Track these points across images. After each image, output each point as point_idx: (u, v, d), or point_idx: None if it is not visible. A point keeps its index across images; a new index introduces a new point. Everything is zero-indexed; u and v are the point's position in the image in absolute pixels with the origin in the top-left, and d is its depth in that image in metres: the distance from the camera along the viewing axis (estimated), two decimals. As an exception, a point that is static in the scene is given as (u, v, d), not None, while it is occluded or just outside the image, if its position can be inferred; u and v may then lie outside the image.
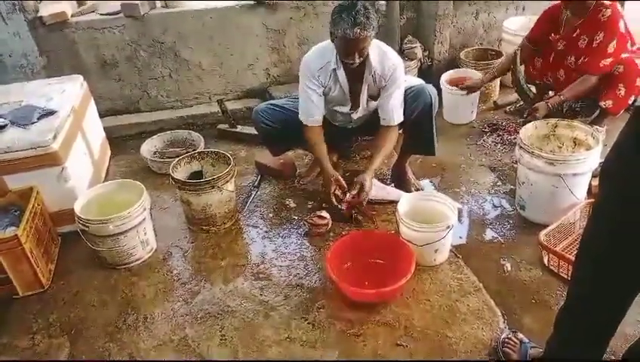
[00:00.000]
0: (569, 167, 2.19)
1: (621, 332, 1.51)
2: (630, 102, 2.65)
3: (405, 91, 2.46)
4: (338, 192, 2.39)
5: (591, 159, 2.21)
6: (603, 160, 1.30)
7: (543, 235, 2.11)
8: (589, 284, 1.37)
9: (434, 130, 2.51)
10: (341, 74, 2.36)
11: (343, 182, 2.41)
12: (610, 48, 2.59)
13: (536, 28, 2.98)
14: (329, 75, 2.37)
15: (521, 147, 2.30)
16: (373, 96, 2.48)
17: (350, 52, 2.20)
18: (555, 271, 2.10)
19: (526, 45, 3.00)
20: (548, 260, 2.13)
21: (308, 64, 2.38)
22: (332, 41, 2.28)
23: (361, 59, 2.24)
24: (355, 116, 2.54)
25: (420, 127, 2.47)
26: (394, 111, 2.40)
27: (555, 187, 2.24)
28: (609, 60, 2.60)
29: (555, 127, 2.46)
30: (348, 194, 2.37)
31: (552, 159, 2.20)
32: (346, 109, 2.52)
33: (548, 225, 2.17)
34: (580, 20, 2.69)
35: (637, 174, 1.15)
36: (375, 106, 2.50)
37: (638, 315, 1.79)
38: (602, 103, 2.70)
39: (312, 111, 2.43)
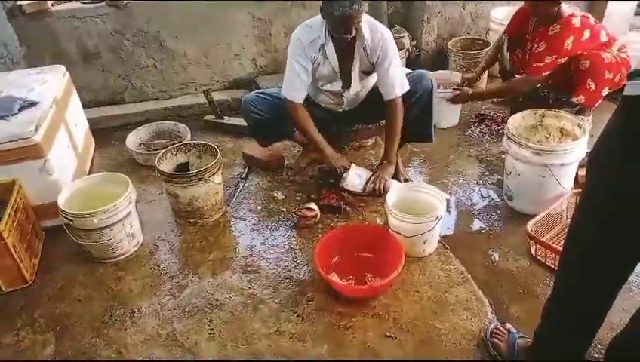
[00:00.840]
0: (556, 157, 2.20)
1: (607, 321, 1.53)
2: (604, 93, 2.68)
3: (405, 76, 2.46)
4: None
5: (577, 149, 2.22)
6: (590, 150, 1.30)
7: (530, 225, 2.12)
8: (576, 274, 1.38)
9: (433, 116, 2.52)
10: (330, 49, 2.35)
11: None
12: (547, 59, 2.63)
13: (511, 23, 2.99)
14: (317, 49, 2.35)
15: (508, 137, 2.31)
16: (366, 72, 2.46)
17: (347, 28, 2.20)
18: (543, 261, 2.11)
19: (503, 38, 3.01)
20: (535, 250, 2.15)
21: (299, 39, 2.35)
22: (322, 17, 2.26)
23: (355, 31, 2.25)
24: (347, 95, 2.52)
25: (420, 112, 2.47)
26: (395, 82, 2.37)
27: (542, 177, 2.25)
28: (540, 64, 2.65)
29: (543, 117, 2.48)
30: (369, 184, 2.48)
31: (539, 149, 2.21)
32: (337, 87, 2.49)
33: (535, 216, 2.18)
34: (540, 28, 2.70)
35: (624, 165, 1.15)
36: (371, 85, 2.50)
37: (624, 303, 1.81)
38: (575, 99, 2.72)
39: (297, 87, 2.39)
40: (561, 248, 1.72)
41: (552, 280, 1.92)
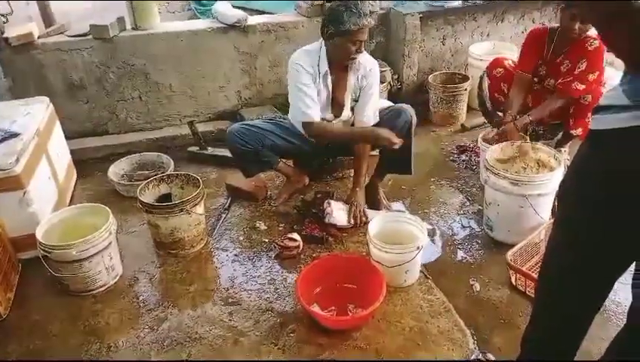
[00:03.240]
0: (533, 187, 2.25)
1: (586, 349, 1.54)
2: None
3: (384, 110, 2.54)
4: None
5: (554, 180, 2.27)
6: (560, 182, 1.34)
7: (509, 255, 2.14)
8: (551, 302, 1.39)
9: (412, 149, 2.56)
10: (330, 77, 2.43)
11: None
12: (590, 77, 2.60)
13: (526, 56, 2.86)
14: (318, 76, 2.42)
15: (487, 168, 2.36)
16: (354, 99, 2.54)
17: (358, 44, 2.28)
18: (523, 290, 2.13)
19: (521, 75, 2.83)
20: (515, 279, 2.17)
21: (300, 64, 2.39)
22: (329, 41, 2.32)
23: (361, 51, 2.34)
24: (335, 123, 2.57)
25: (400, 146, 2.51)
26: (369, 112, 2.48)
27: (520, 207, 2.29)
28: (582, 87, 2.61)
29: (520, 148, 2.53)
30: (349, 219, 2.50)
31: (517, 180, 2.25)
32: (327, 115, 2.55)
33: (515, 245, 2.21)
34: (567, 47, 2.71)
35: (590, 195, 1.19)
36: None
37: (602, 332, 1.81)
38: (573, 131, 2.74)
39: (311, 105, 2.39)
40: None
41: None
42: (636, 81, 1.06)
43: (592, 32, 2.63)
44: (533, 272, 2.12)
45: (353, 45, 2.29)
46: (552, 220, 2.34)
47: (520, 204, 2.29)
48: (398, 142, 2.33)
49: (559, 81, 2.73)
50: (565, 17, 2.62)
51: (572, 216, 1.28)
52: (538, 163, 2.50)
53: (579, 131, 2.73)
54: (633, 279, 1.28)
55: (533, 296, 2.05)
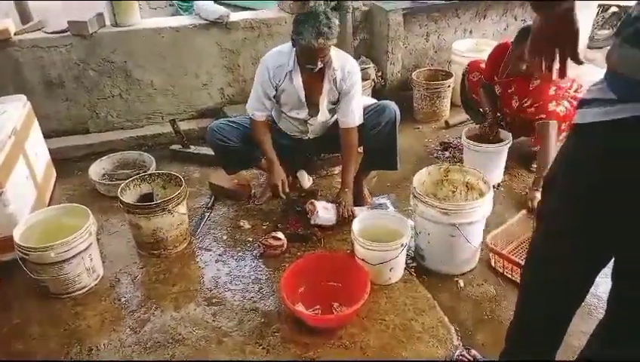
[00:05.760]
0: (463, 216, 2.09)
1: (568, 343, 1.56)
2: (560, 138, 2.67)
3: (368, 107, 2.52)
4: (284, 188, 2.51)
5: (484, 207, 2.13)
6: (546, 172, 1.35)
7: (489, 238, 2.20)
8: (535, 296, 1.41)
9: (397, 145, 2.56)
10: (297, 77, 2.40)
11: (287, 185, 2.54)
12: (529, 110, 2.70)
13: (486, 68, 2.97)
14: (284, 75, 2.41)
15: (415, 196, 2.19)
16: (333, 101, 2.51)
17: (313, 59, 2.26)
18: (501, 271, 2.21)
19: (485, 83, 2.97)
20: (494, 262, 2.24)
21: (265, 63, 2.44)
22: (293, 45, 2.32)
23: (322, 64, 2.31)
24: (313, 123, 2.55)
25: (384, 142, 2.51)
26: (355, 113, 2.45)
27: (452, 236, 2.13)
28: (552, 103, 2.66)
29: (448, 172, 2.40)
30: (336, 215, 2.48)
31: (446, 209, 2.09)
32: (303, 115, 2.53)
33: (447, 275, 2.21)
34: (515, 78, 2.75)
35: (574, 186, 1.19)
36: (335, 113, 2.54)
37: (583, 326, 1.83)
38: (534, 149, 2.83)
39: (258, 106, 2.49)
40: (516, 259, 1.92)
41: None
42: (617, 82, 1.06)
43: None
44: (513, 256, 2.18)
45: (304, 57, 2.29)
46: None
47: (451, 233, 2.12)
48: (281, 196, 2.52)
49: (535, 120, 2.69)
50: (513, 56, 2.69)
51: (556, 208, 1.28)
52: (467, 186, 2.38)
53: (538, 148, 2.74)
54: (612, 270, 1.29)
55: (515, 287, 2.08)
